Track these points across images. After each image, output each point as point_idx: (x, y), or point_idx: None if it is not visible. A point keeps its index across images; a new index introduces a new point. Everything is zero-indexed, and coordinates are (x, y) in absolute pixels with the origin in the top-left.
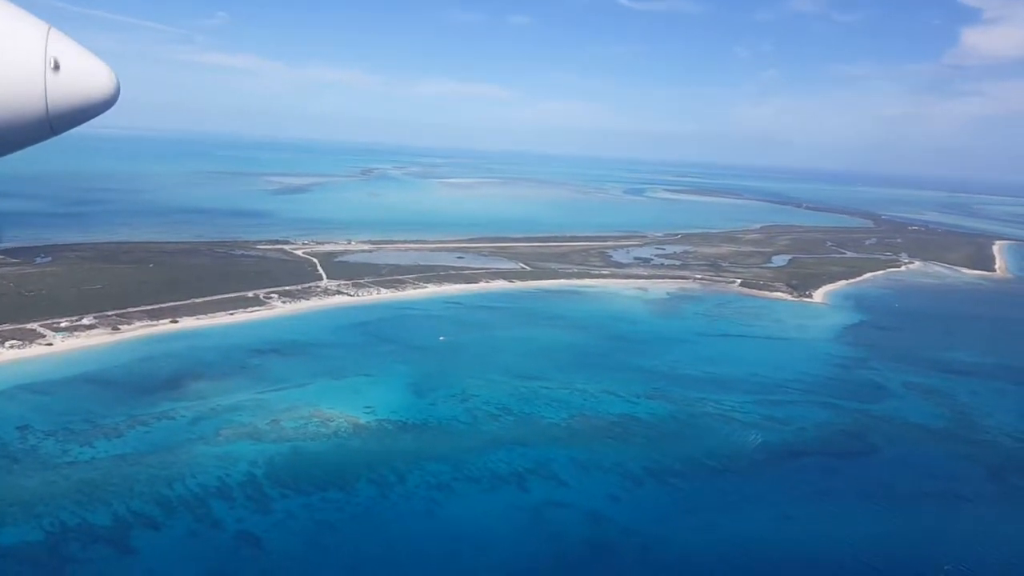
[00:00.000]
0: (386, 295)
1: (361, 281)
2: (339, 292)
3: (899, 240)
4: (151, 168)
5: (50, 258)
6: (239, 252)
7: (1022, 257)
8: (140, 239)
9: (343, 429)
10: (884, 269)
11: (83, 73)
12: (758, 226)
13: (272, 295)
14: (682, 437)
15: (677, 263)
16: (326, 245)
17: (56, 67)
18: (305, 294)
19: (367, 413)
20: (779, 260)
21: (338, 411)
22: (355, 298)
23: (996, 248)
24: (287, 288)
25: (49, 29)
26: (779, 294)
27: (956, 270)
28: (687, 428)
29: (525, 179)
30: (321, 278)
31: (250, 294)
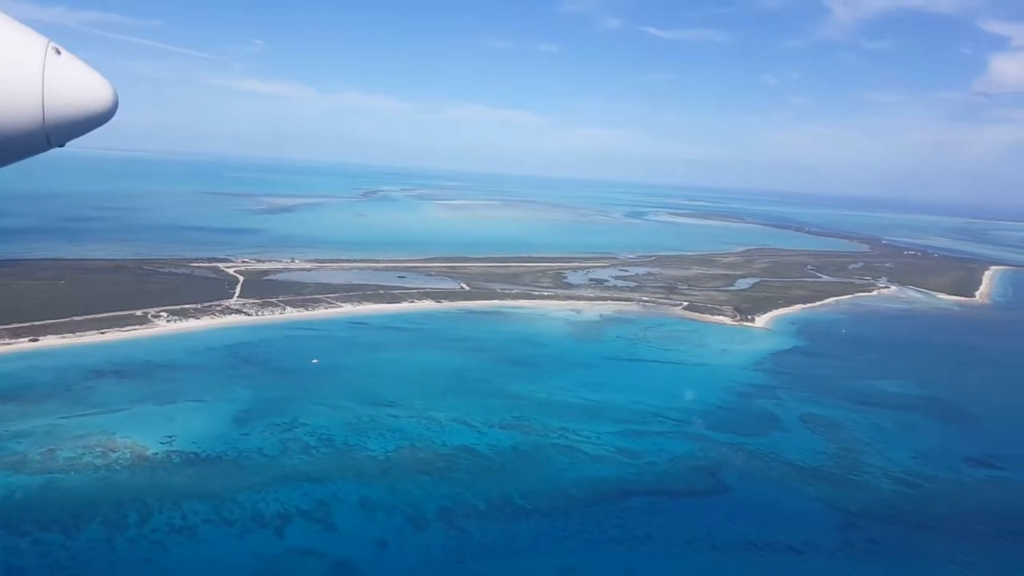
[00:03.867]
0: (290, 315)
1: (273, 300)
2: (239, 311)
3: (887, 264)
4: (155, 188)
5: None
6: (167, 270)
7: (1010, 284)
8: (76, 256)
9: (120, 461)
10: (852, 294)
11: (81, 86)
12: (741, 249)
13: (162, 313)
14: (509, 472)
15: (632, 285)
16: (267, 263)
17: (54, 80)
18: (200, 313)
19: (163, 443)
20: (743, 283)
21: (132, 440)
22: (252, 317)
23: (988, 274)
24: (185, 307)
25: (48, 43)
26: (721, 318)
27: (932, 295)
28: (522, 462)
29: (530, 201)
30: (231, 296)
31: (139, 312)
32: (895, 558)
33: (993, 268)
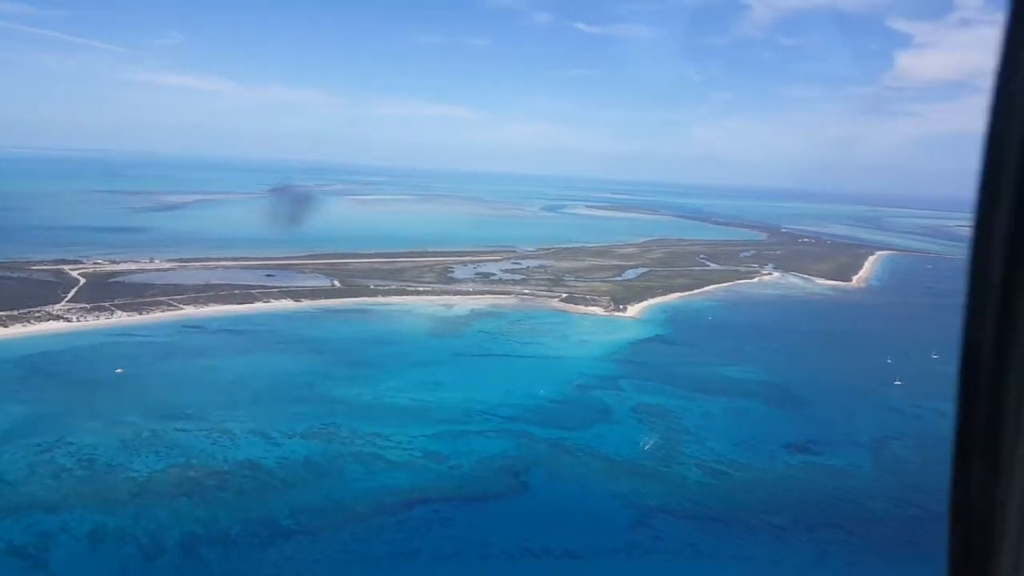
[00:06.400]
0: (118, 320)
1: (105, 304)
2: (60, 318)
3: (778, 252)
4: (41, 187)
5: None
6: (1, 274)
7: (889, 268)
8: None
9: None
10: (733, 281)
11: None
12: (642, 240)
13: None
14: (287, 488)
15: (518, 278)
16: (121, 264)
17: None
18: (12, 320)
19: None
20: (631, 273)
21: None
22: (71, 324)
23: (871, 259)
24: None
25: None
26: (594, 308)
27: (811, 280)
28: (308, 475)
29: (449, 196)
30: (60, 301)
31: None
32: (674, 556)
33: (878, 253)
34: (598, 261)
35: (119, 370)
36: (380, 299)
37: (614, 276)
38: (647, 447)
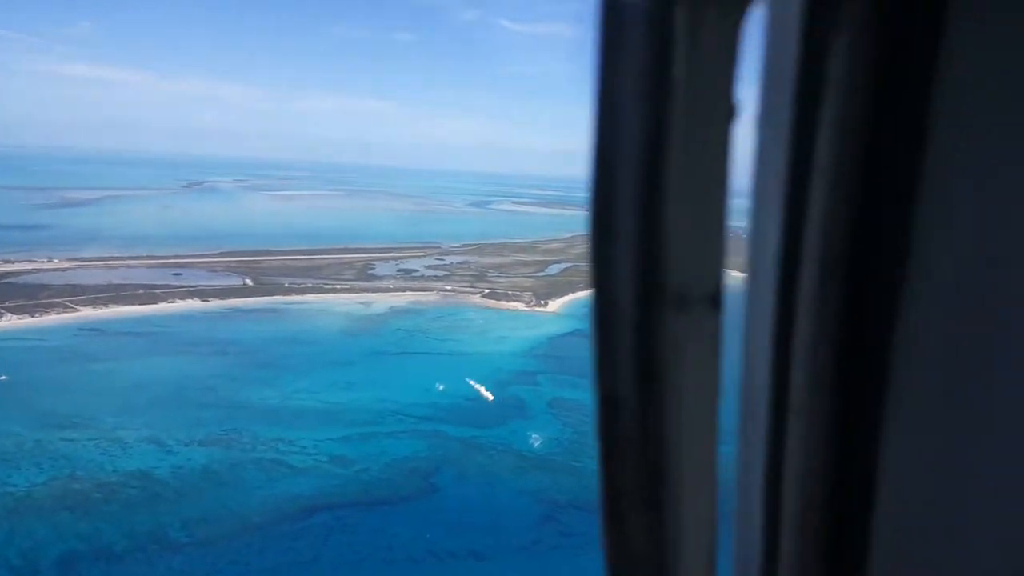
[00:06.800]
0: (8, 323)
1: None
2: None
3: None
4: None
5: None
6: None
7: None
8: None
9: None
10: None
11: None
12: (567, 235)
13: None
14: (180, 499)
15: (441, 274)
16: (15, 264)
17: None
18: None
19: None
20: (555, 268)
21: None
22: None
23: None
24: None
25: None
26: (516, 304)
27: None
28: (205, 485)
29: (372, 191)
30: None
31: None
32: (580, 551)
33: None
34: (522, 257)
35: (3, 377)
36: (295, 297)
37: (537, 271)
38: (536, 444)
